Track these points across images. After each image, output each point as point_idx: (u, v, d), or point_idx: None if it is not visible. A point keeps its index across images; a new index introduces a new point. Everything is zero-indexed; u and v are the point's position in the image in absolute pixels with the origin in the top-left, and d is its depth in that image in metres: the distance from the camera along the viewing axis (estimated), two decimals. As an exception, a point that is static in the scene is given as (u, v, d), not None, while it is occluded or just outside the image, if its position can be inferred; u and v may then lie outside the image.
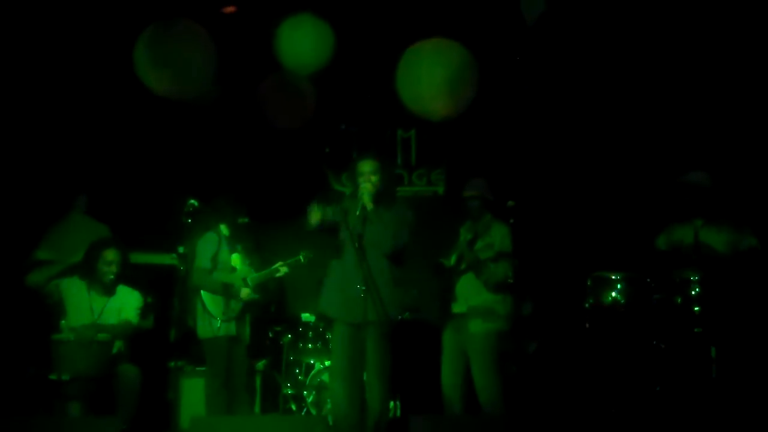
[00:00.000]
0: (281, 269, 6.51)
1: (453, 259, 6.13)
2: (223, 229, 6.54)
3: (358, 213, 5.64)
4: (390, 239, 5.69)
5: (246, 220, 6.60)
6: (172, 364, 5.82)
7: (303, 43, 7.00)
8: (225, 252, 6.51)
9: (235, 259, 6.54)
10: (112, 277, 6.36)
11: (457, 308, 6.13)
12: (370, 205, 5.64)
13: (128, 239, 6.72)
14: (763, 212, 6.65)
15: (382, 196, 5.77)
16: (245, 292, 6.41)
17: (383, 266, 5.70)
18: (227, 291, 6.37)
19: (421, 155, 8.62)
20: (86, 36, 7.40)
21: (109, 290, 6.39)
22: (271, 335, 7.34)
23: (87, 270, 6.38)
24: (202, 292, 6.39)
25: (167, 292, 6.66)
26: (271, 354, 7.33)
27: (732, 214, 6.08)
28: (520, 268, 5.87)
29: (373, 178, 5.75)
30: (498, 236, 6.08)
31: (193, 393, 6.88)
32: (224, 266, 6.48)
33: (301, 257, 6.51)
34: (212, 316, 6.31)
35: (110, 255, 6.37)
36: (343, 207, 5.83)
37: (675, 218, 6.22)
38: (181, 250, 5.73)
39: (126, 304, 6.41)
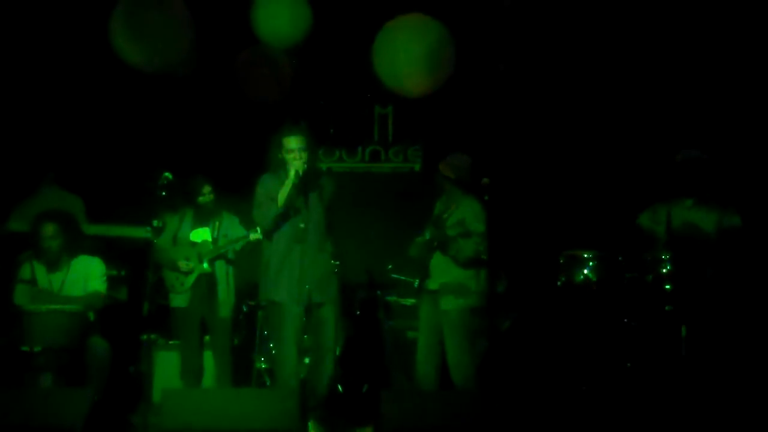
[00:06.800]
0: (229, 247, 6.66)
1: (427, 234, 6.11)
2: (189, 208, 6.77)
3: (289, 190, 5.64)
4: (324, 214, 5.75)
5: (207, 198, 6.70)
6: (145, 337, 5.81)
7: (280, 16, 6.96)
8: (186, 228, 6.74)
9: (199, 234, 6.72)
10: (55, 250, 6.22)
11: (431, 284, 6.09)
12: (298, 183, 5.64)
13: (102, 212, 6.69)
14: (746, 192, 6.70)
15: (311, 173, 5.74)
16: (182, 264, 6.62)
17: (321, 243, 5.76)
18: (173, 266, 6.63)
19: (398, 132, 8.62)
20: (60, 6, 7.33)
21: (57, 265, 6.26)
22: (245, 309, 7.33)
23: (34, 249, 6.28)
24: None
25: (141, 265, 6.64)
26: (245, 328, 7.32)
27: (720, 193, 6.10)
28: (494, 245, 5.86)
29: (303, 155, 5.70)
30: (469, 212, 6.00)
31: (166, 366, 6.95)
32: (183, 242, 6.71)
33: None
34: (167, 290, 6.69)
35: (48, 230, 6.20)
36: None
37: (661, 197, 6.20)
38: (155, 223, 5.72)
39: (89, 274, 6.31)
